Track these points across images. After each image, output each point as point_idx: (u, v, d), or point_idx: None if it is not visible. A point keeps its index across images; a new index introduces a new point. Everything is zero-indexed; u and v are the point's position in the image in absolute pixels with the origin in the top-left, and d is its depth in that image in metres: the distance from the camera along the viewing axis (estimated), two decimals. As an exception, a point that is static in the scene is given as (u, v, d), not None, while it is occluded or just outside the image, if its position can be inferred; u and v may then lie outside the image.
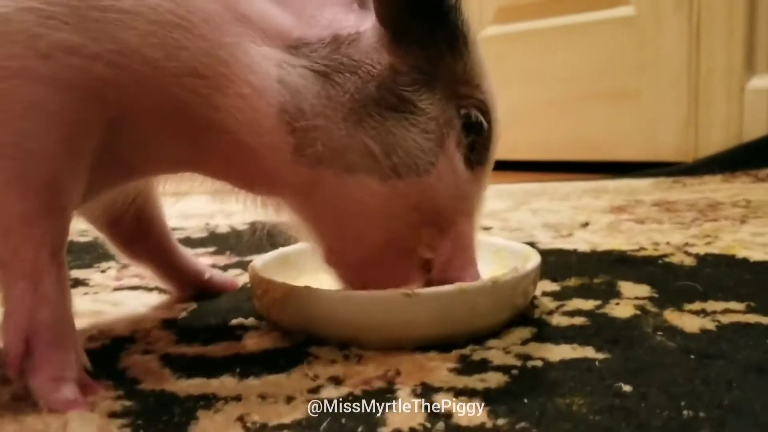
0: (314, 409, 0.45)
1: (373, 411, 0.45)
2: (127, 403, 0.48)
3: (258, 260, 0.69)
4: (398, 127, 0.52)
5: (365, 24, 0.53)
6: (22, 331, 0.47)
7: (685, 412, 0.42)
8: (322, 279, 0.64)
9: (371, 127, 0.51)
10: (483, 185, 0.59)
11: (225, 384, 0.50)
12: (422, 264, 0.58)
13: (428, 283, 0.58)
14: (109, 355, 0.57)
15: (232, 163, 0.53)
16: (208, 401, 0.47)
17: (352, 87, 0.51)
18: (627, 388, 0.46)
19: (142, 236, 0.71)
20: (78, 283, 0.86)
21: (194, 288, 0.76)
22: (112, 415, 0.46)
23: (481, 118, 0.57)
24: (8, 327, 0.47)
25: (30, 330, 0.47)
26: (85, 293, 0.80)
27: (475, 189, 0.58)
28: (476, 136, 0.57)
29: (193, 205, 1.58)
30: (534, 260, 0.64)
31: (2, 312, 0.48)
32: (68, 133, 0.47)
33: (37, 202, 0.47)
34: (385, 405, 0.45)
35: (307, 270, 0.70)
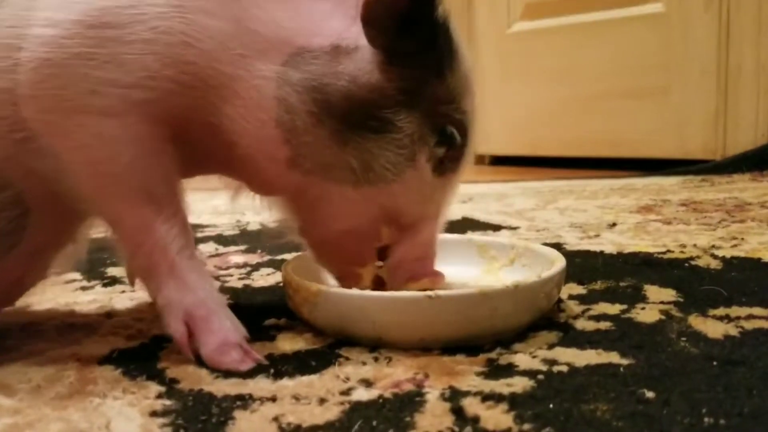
0: (346, 410, 0.47)
1: (403, 414, 0.46)
2: (167, 402, 0.50)
3: (291, 260, 0.71)
4: (376, 146, 0.58)
5: (364, 39, 0.57)
6: (178, 316, 0.57)
7: (706, 419, 0.44)
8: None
9: (353, 147, 0.58)
10: (451, 190, 0.65)
11: (260, 385, 0.52)
12: (380, 250, 0.64)
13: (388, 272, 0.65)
14: (148, 354, 0.60)
15: (244, 170, 0.62)
16: (244, 401, 0.49)
17: (339, 106, 0.57)
18: (650, 394, 0.48)
19: None
20: (115, 281, 0.88)
21: None
22: (153, 414, 0.48)
23: (456, 134, 0.61)
24: (168, 318, 0.57)
25: (184, 314, 0.57)
26: (123, 291, 0.83)
27: (441, 194, 0.64)
28: (449, 148, 0.61)
29: (225, 202, 1.60)
30: (558, 264, 0.66)
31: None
32: (138, 152, 0.55)
33: (145, 213, 0.56)
34: (414, 408, 0.47)
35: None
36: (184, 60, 0.54)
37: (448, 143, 0.61)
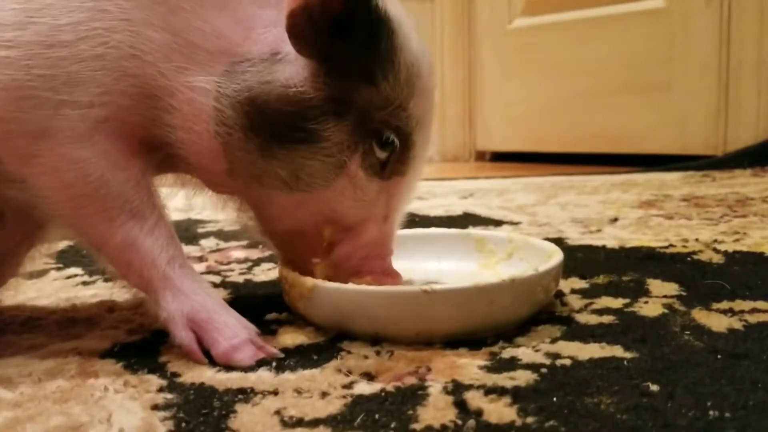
0: (348, 404, 0.47)
1: (406, 407, 0.46)
2: (169, 396, 0.49)
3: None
4: (301, 156, 0.58)
5: None
6: (182, 325, 0.57)
7: (710, 413, 0.43)
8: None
9: (280, 159, 0.58)
10: (401, 191, 0.64)
11: (262, 378, 0.52)
12: (328, 246, 0.64)
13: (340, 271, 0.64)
14: (149, 348, 0.59)
15: (196, 174, 0.63)
16: (246, 395, 0.49)
17: (268, 120, 0.57)
18: (654, 387, 0.47)
19: None
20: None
21: None
22: (155, 407, 0.47)
23: (393, 138, 0.60)
24: (173, 329, 0.57)
25: (187, 321, 0.57)
26: (124, 286, 0.82)
27: (387, 196, 0.63)
28: (390, 153, 0.61)
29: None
30: (556, 258, 0.65)
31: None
32: (107, 169, 0.55)
33: (127, 230, 0.56)
34: (416, 401, 0.47)
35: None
36: (131, 73, 0.54)
37: (388, 148, 0.60)
